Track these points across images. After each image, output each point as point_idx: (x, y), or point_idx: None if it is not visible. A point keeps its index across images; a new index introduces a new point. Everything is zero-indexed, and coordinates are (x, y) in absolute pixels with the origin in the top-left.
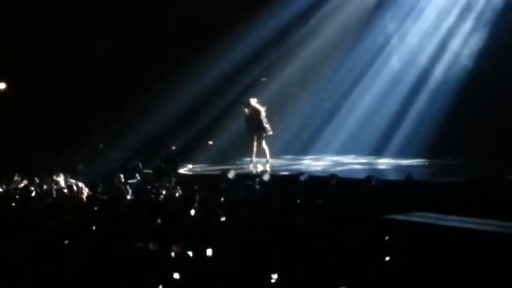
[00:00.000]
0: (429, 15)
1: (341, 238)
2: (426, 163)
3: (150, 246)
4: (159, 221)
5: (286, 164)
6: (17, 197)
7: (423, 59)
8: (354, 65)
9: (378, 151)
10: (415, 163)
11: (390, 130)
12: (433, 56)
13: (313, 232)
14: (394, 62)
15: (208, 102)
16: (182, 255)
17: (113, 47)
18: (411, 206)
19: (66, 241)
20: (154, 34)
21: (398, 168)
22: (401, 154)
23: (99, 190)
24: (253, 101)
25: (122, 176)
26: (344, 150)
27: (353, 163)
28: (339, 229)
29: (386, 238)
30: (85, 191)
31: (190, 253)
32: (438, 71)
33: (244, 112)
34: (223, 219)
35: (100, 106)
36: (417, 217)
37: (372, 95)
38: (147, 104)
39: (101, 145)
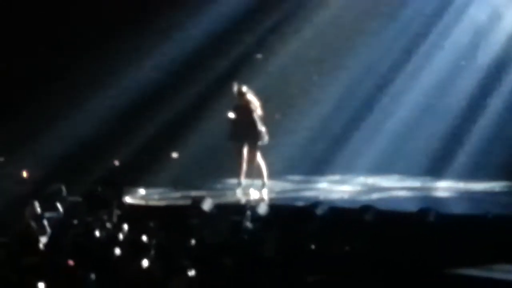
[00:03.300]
0: None
1: None
2: (509, 189)
3: None
4: (92, 277)
5: (294, 189)
6: None
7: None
8: (398, 40)
9: (435, 170)
10: (492, 188)
11: (452, 139)
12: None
13: None
14: (457, 42)
15: (171, 89)
16: None
17: None
18: (490, 255)
19: None
20: None
21: (467, 196)
22: (470, 174)
23: None
24: (244, 90)
25: (37, 205)
26: (381, 168)
27: (397, 187)
28: None
29: None
30: None
31: None
32: None
33: (234, 103)
34: (192, 273)
35: None
36: (501, 273)
37: (423, 87)
38: (71, 94)
39: (0, 159)
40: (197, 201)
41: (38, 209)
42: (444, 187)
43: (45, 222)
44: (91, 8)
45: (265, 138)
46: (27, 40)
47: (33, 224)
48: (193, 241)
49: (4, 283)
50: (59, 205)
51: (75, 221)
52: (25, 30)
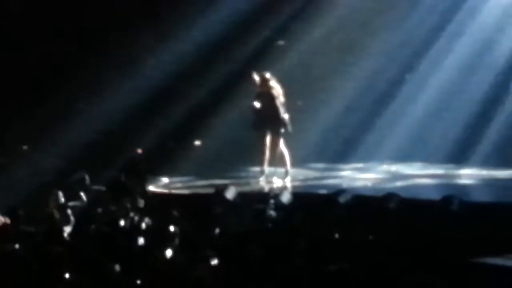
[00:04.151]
0: None
1: None
2: None
3: None
4: (116, 267)
5: (317, 177)
6: None
7: None
8: (420, 27)
9: (459, 157)
10: None
11: (477, 124)
12: None
13: (360, 286)
14: (480, 26)
15: (193, 78)
16: None
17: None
18: None
19: None
20: None
21: (491, 183)
22: (494, 161)
23: (21, 217)
24: (267, 77)
25: (60, 194)
26: (405, 155)
27: (420, 175)
28: (402, 280)
29: None
30: None
31: None
32: None
33: (256, 90)
34: (215, 262)
35: (17, 86)
36: None
37: (447, 73)
38: (94, 82)
39: (24, 147)
40: (221, 190)
41: (62, 199)
42: (468, 175)
43: (69, 211)
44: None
45: (289, 126)
46: (52, 29)
47: (56, 213)
48: (216, 230)
49: (29, 272)
50: (82, 194)
51: (99, 210)
52: (52, 19)
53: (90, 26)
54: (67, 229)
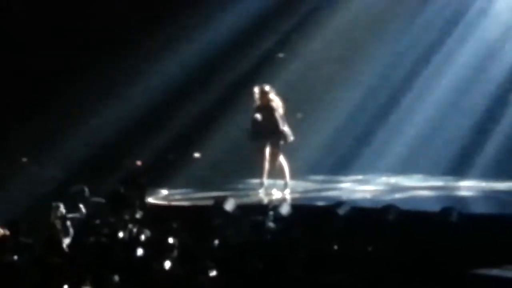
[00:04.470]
0: None
1: None
2: None
3: None
4: (115, 278)
5: (316, 188)
6: None
7: None
8: (420, 38)
9: (458, 170)
10: None
11: (477, 136)
12: None
13: None
14: (482, 37)
15: (193, 91)
16: None
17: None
18: None
19: None
20: None
21: (490, 196)
22: (493, 174)
23: (20, 228)
24: (267, 89)
25: (62, 206)
26: (404, 168)
27: (419, 187)
28: None
29: None
30: None
31: None
32: None
33: (256, 103)
34: (214, 274)
35: (16, 97)
36: None
37: (446, 85)
38: (94, 93)
39: (23, 159)
40: (220, 202)
41: (63, 211)
42: (467, 187)
43: (68, 223)
44: (115, 6)
45: (289, 138)
46: (49, 41)
47: (58, 224)
48: (215, 242)
49: (28, 283)
50: (82, 206)
51: (98, 222)
52: (46, 31)
53: (88, 39)
54: (67, 241)
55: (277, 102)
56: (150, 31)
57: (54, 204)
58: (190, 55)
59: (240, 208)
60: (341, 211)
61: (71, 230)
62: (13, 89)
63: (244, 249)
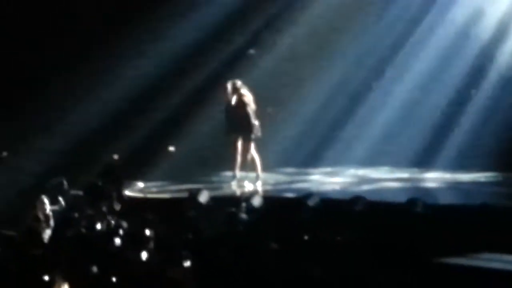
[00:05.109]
0: None
1: None
2: (499, 179)
3: None
4: (93, 269)
5: (287, 181)
6: None
7: (486, 31)
8: (387, 34)
9: (424, 161)
10: (478, 179)
11: (441, 130)
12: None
13: (329, 285)
14: (444, 34)
15: (168, 85)
16: None
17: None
18: (476, 245)
19: None
20: None
21: (454, 187)
22: (457, 165)
23: None
24: (238, 85)
25: (45, 198)
26: (372, 160)
27: (386, 179)
28: (368, 280)
29: None
30: None
31: None
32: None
33: (227, 98)
34: (188, 264)
35: None
36: (487, 262)
37: (412, 80)
38: (72, 90)
39: (3, 153)
40: (194, 194)
41: (47, 204)
42: (432, 178)
43: (51, 215)
44: (93, 4)
45: (259, 131)
46: (28, 38)
47: (41, 216)
48: (190, 233)
49: (8, 275)
50: (61, 199)
51: (76, 215)
52: (26, 28)
53: (68, 34)
54: (48, 233)
55: (248, 97)
56: (124, 27)
57: (39, 197)
58: (164, 52)
59: (214, 200)
60: (311, 202)
61: (51, 222)
62: None
63: (217, 239)
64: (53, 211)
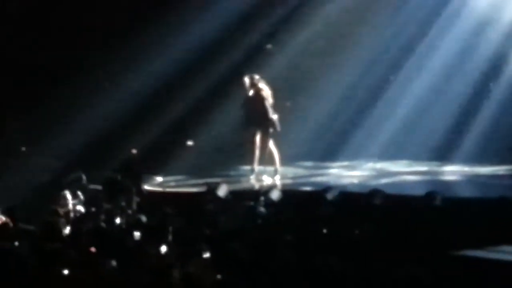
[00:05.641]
0: None
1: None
2: None
3: None
4: (113, 263)
5: (305, 174)
6: None
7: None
8: (406, 27)
9: (442, 155)
10: (497, 172)
11: (459, 123)
12: None
13: (347, 278)
14: (464, 26)
15: (187, 79)
16: None
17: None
18: (495, 237)
19: None
20: None
21: (473, 180)
22: (476, 158)
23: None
24: (256, 79)
25: (67, 193)
26: (390, 153)
27: (405, 172)
28: (386, 272)
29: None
30: None
31: None
32: None
33: (245, 92)
34: (207, 256)
35: (15, 88)
36: (506, 254)
37: (430, 74)
38: (91, 84)
39: (22, 148)
40: (213, 188)
41: (70, 199)
42: (451, 171)
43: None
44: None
45: (278, 126)
46: (49, 33)
47: (61, 211)
48: (209, 227)
49: (27, 269)
50: (79, 193)
51: (95, 209)
52: (48, 23)
53: (87, 30)
54: (68, 227)
55: (266, 91)
56: (144, 26)
57: (61, 192)
58: (183, 46)
59: (232, 194)
60: (330, 196)
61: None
62: (12, 80)
63: (236, 233)
64: (73, 205)
